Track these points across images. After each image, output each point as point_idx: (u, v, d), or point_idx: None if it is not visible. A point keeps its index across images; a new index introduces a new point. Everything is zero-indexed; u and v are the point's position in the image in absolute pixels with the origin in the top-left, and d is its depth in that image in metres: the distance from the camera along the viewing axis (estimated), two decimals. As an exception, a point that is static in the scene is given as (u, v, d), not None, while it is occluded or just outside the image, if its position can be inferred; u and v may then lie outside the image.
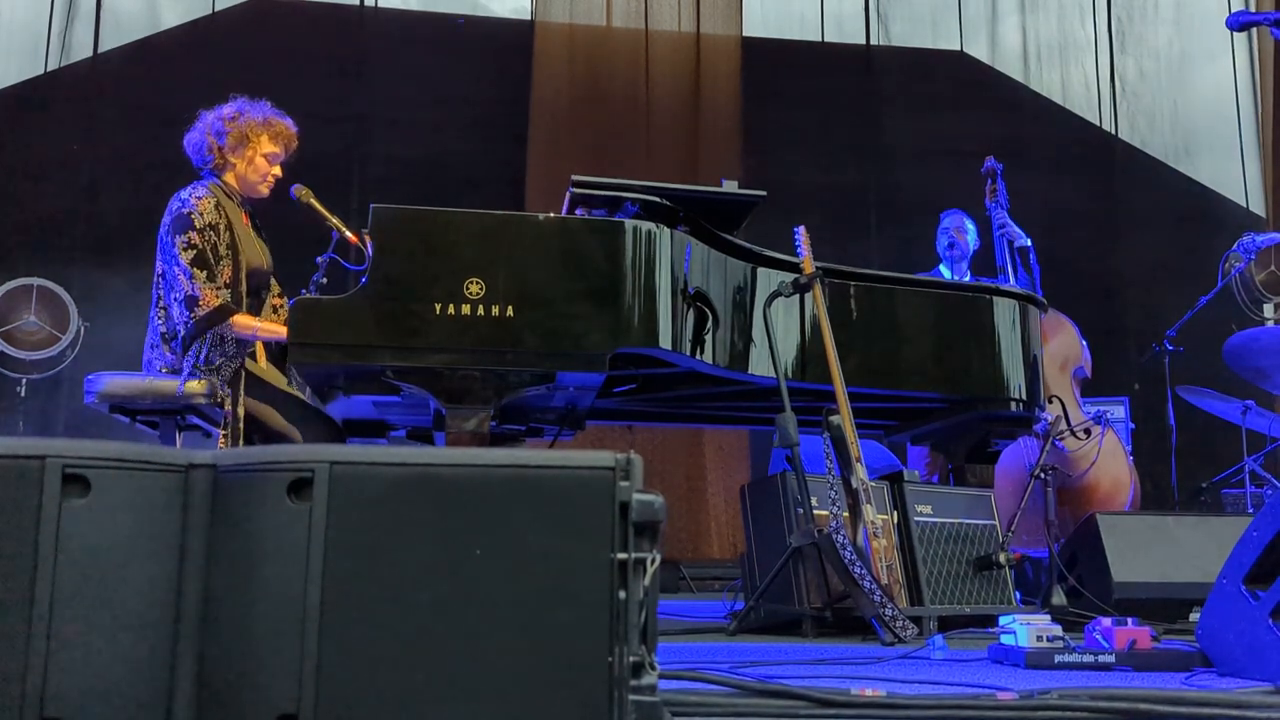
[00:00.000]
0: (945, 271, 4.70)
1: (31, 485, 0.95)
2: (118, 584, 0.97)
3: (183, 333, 2.85)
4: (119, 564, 0.97)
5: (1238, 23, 2.56)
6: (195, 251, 2.85)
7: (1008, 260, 4.51)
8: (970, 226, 4.73)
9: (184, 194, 2.95)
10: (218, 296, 2.85)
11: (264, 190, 3.09)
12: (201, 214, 2.89)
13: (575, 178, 2.89)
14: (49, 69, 6.00)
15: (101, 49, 6.08)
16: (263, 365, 3.02)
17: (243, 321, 2.88)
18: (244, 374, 2.91)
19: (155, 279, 2.97)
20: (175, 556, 1.00)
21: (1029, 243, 4.52)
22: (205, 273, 2.85)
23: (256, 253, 3.05)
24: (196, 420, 2.98)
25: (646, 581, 1.01)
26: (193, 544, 1.00)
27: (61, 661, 0.94)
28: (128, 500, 0.98)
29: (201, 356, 2.84)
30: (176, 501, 1.01)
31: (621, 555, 1.00)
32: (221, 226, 2.91)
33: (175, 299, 2.86)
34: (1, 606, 0.94)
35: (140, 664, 0.97)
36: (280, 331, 2.84)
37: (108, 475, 0.98)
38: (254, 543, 1.00)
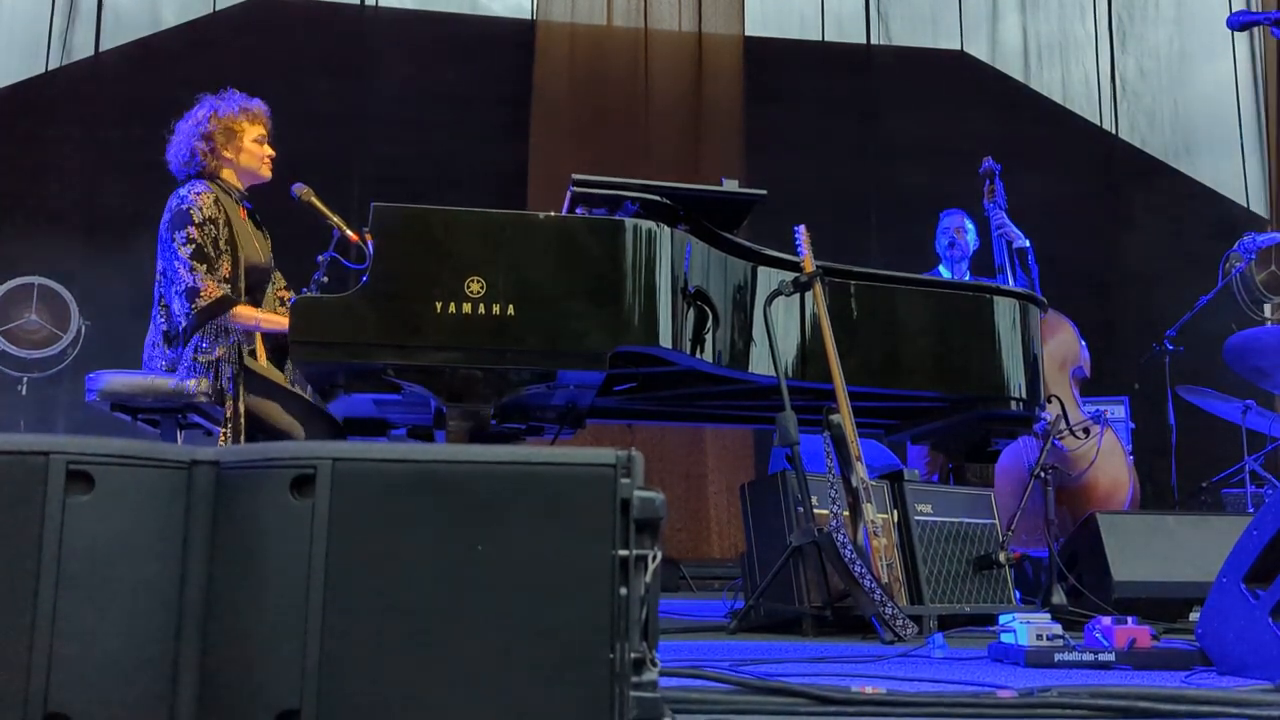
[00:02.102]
0: (945, 271, 4.70)
1: (36, 481, 0.96)
2: (121, 580, 0.97)
3: (184, 324, 2.86)
4: (123, 560, 0.98)
5: (1238, 22, 2.56)
6: (195, 246, 2.86)
7: (1006, 261, 4.51)
8: (970, 226, 4.74)
9: (183, 191, 2.97)
10: (219, 288, 2.86)
11: (266, 172, 3.11)
12: (201, 209, 2.91)
13: (576, 176, 2.89)
14: (50, 68, 6.01)
15: (102, 48, 6.09)
16: (263, 363, 3.03)
17: (244, 313, 2.89)
18: (245, 372, 2.91)
19: (156, 277, 2.98)
20: (178, 552, 1.00)
21: (1028, 244, 4.52)
22: (205, 265, 2.86)
23: (255, 249, 3.06)
24: (197, 419, 2.99)
25: (647, 578, 1.01)
26: (196, 540, 1.01)
27: (66, 657, 0.94)
28: (131, 497, 0.99)
29: (202, 347, 2.85)
30: (180, 498, 1.01)
31: (623, 552, 1.01)
32: (220, 222, 2.93)
33: (176, 292, 2.87)
34: (6, 601, 0.95)
35: (144, 659, 0.97)
36: (282, 323, 2.84)
37: (112, 472, 0.98)
38: (256, 539, 1.00)
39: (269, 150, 3.12)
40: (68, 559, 0.95)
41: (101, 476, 0.97)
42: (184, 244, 2.86)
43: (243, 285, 2.96)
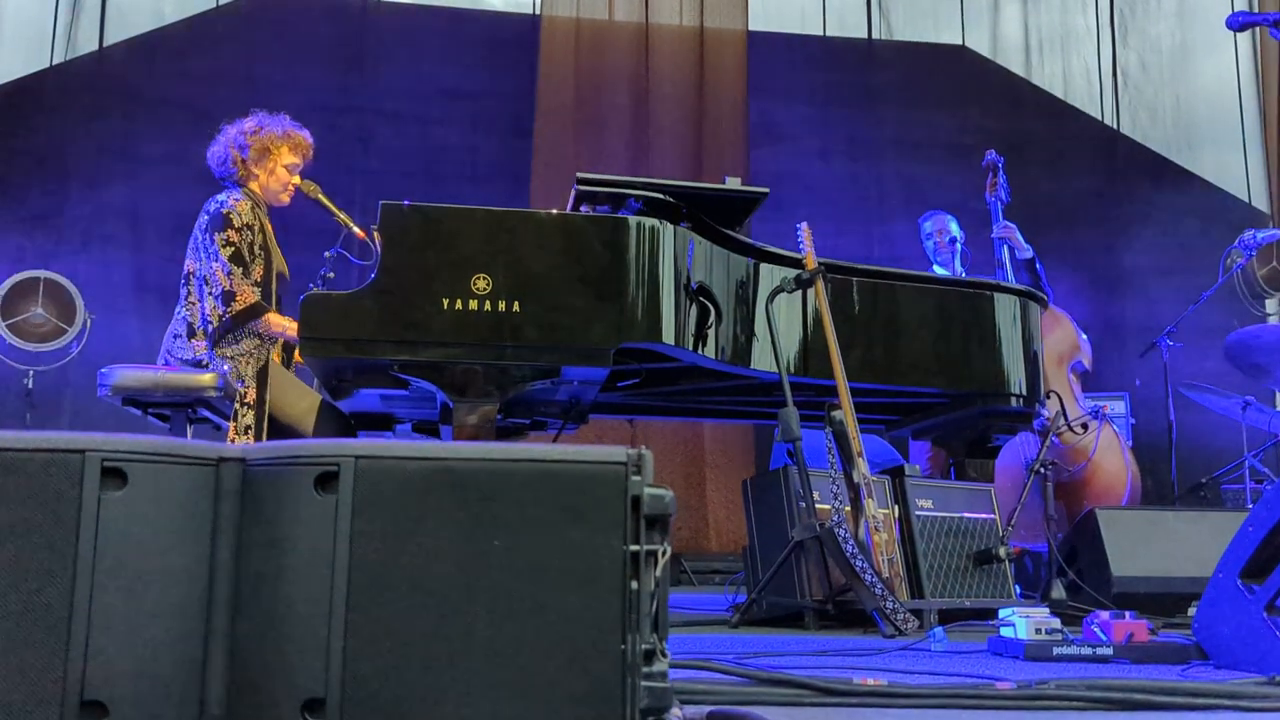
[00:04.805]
0: (941, 271, 4.72)
1: (72, 477, 0.99)
2: (153, 572, 1.01)
3: (215, 325, 2.95)
4: (154, 553, 1.01)
5: (1237, 23, 2.58)
6: (233, 249, 2.97)
7: (1005, 259, 4.53)
8: (953, 224, 4.75)
9: (220, 196, 3.09)
10: (254, 293, 2.97)
11: (285, 199, 3.21)
12: (240, 214, 3.02)
13: (580, 175, 2.92)
14: (54, 63, 6.03)
15: (106, 43, 6.10)
16: (275, 359, 3.09)
17: (275, 320, 3.01)
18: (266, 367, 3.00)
19: (184, 275, 3.08)
20: (207, 546, 1.04)
21: (1031, 253, 4.54)
22: (241, 269, 2.98)
23: (281, 261, 3.18)
24: (207, 413, 3.03)
25: (657, 572, 1.05)
26: (223, 534, 1.04)
27: (101, 647, 0.98)
28: (162, 492, 1.02)
29: (229, 342, 2.94)
30: (208, 493, 1.05)
31: (634, 547, 1.04)
32: (255, 228, 3.05)
33: (211, 293, 2.97)
34: (44, 594, 0.98)
35: (175, 649, 1.01)
36: None
37: (144, 468, 1.02)
38: (282, 533, 1.04)
39: (295, 180, 3.20)
40: (103, 553, 0.99)
41: (134, 473, 1.01)
42: (224, 245, 2.96)
43: (273, 289, 3.06)
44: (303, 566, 1.02)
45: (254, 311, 2.96)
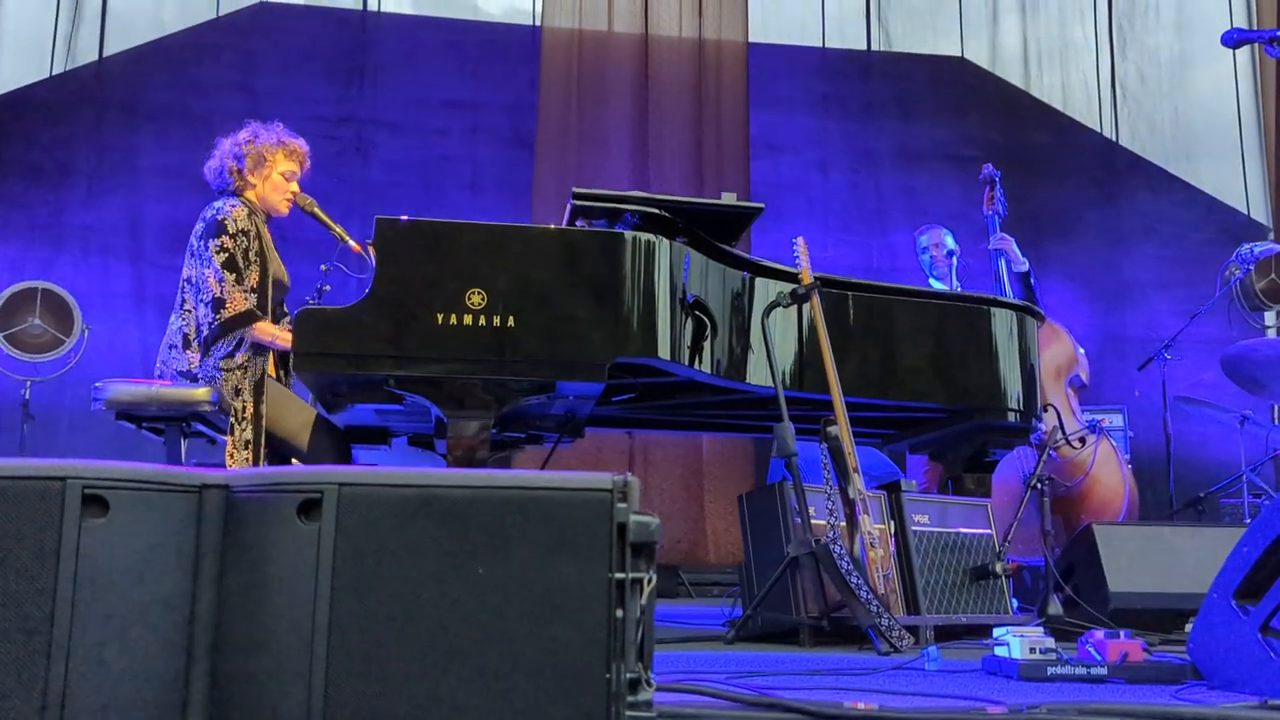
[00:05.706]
0: (938, 285, 4.71)
1: (53, 505, 0.99)
2: (135, 600, 1.00)
3: (205, 334, 2.93)
4: (136, 581, 1.01)
5: (1232, 40, 2.58)
6: (227, 255, 2.96)
7: (1002, 273, 4.53)
8: (948, 238, 4.75)
9: (217, 204, 3.08)
10: (245, 301, 2.95)
11: (284, 208, 3.20)
12: (235, 220, 3.01)
13: (576, 190, 2.93)
14: (54, 72, 6.04)
15: (107, 53, 6.11)
16: (271, 373, 3.09)
17: (265, 329, 2.98)
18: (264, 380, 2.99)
19: (181, 284, 3.07)
20: (189, 574, 1.03)
21: (1027, 266, 4.54)
22: (234, 276, 2.96)
23: (280, 267, 3.17)
24: (201, 427, 3.02)
25: (643, 600, 1.04)
26: (206, 562, 1.04)
27: (81, 674, 0.97)
28: (144, 520, 1.02)
29: (226, 354, 2.93)
30: (191, 521, 1.04)
31: (619, 575, 1.03)
32: (251, 235, 3.03)
33: (202, 300, 2.95)
34: (24, 621, 0.97)
35: (156, 676, 1.00)
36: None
37: (125, 496, 1.01)
38: (265, 561, 1.03)
39: (294, 188, 3.20)
40: (83, 581, 0.98)
41: (115, 500, 1.00)
42: (218, 252, 2.96)
43: (268, 296, 3.05)
44: (285, 594, 1.01)
45: (243, 319, 2.93)
